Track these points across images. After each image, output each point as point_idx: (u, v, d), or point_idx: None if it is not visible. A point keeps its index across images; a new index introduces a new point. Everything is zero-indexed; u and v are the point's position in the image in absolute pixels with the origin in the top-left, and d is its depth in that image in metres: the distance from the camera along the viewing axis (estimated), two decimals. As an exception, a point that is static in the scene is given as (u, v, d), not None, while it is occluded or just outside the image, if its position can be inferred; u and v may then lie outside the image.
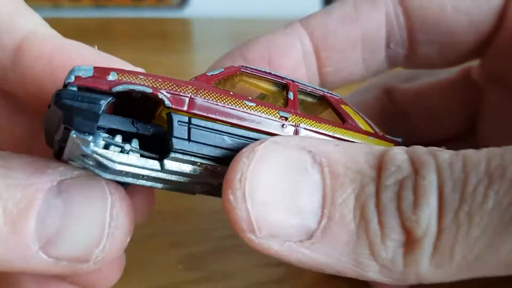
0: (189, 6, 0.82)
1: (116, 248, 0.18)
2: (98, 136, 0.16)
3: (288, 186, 0.16)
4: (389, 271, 0.17)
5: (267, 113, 0.18)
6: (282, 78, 0.21)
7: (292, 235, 0.16)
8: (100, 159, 0.16)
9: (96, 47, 0.22)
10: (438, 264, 0.16)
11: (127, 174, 0.17)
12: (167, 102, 0.17)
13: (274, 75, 0.21)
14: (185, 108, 0.17)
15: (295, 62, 0.24)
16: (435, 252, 0.16)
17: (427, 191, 0.16)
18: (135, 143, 0.17)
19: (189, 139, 0.17)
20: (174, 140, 0.17)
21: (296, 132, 0.19)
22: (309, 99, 0.22)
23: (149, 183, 0.18)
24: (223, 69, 0.20)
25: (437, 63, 0.26)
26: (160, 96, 0.17)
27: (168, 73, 0.20)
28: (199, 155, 0.17)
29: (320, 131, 0.19)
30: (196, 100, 0.17)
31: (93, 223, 0.17)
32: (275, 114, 0.19)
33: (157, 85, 0.17)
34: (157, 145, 0.17)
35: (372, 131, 0.22)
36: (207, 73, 0.19)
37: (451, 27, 0.24)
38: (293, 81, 0.21)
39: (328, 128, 0.20)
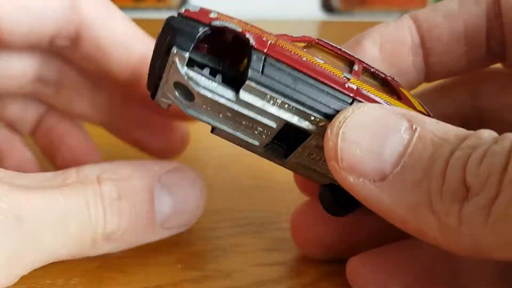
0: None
1: (200, 214, 0.26)
2: (190, 67, 0.20)
3: (378, 137, 0.19)
4: (445, 226, 0.18)
5: (332, 70, 0.21)
6: (350, 55, 0.24)
7: (368, 174, 0.19)
8: (190, 83, 0.20)
9: None
10: (494, 226, 0.17)
11: (206, 108, 0.21)
12: (251, 41, 0.20)
13: (343, 51, 0.24)
14: (264, 50, 0.20)
15: (404, 51, 0.27)
16: (491, 210, 0.17)
17: (496, 153, 0.17)
18: (218, 77, 0.21)
19: (262, 72, 0.20)
20: (250, 71, 0.20)
21: (357, 93, 0.21)
22: (371, 80, 0.24)
23: (222, 126, 0.22)
24: (302, 35, 0.23)
25: None
26: (247, 35, 0.20)
27: (168, 73, 0.20)
28: (269, 87, 0.20)
29: (378, 98, 0.22)
30: (275, 46, 0.21)
31: (194, 201, 0.26)
32: (340, 73, 0.21)
33: (247, 28, 0.21)
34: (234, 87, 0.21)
35: (425, 114, 0.24)
36: (287, 34, 0.22)
37: None
38: (360, 60, 0.24)
39: (386, 97, 0.22)
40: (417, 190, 0.18)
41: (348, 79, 0.21)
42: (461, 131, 0.19)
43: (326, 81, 0.21)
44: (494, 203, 0.17)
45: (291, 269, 0.27)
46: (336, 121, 0.20)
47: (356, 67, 0.23)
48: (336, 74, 0.21)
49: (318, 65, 0.21)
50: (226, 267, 0.26)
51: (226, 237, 0.29)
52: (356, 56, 0.24)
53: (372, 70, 0.24)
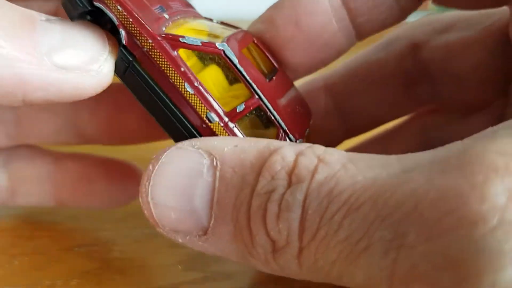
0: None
1: (111, 68, 0.20)
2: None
3: (184, 190, 0.18)
4: (270, 269, 0.18)
5: (197, 106, 0.20)
6: (250, 87, 0.21)
7: (190, 231, 0.19)
8: None
9: None
10: (308, 271, 0.17)
11: None
12: (122, 41, 0.20)
13: (246, 80, 0.21)
14: (135, 53, 0.20)
15: (323, 18, 0.23)
16: (300, 262, 0.17)
17: (290, 207, 0.17)
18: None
19: (124, 74, 0.20)
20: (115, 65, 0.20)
21: (204, 132, 0.20)
22: (264, 122, 0.21)
23: None
24: (200, 44, 0.20)
25: (460, 2, 0.25)
26: (120, 32, 0.20)
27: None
28: (128, 87, 0.20)
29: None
30: (145, 54, 0.19)
31: (93, 37, 0.20)
32: (203, 111, 0.20)
33: (125, 22, 0.19)
34: None
35: None
36: (180, 39, 0.20)
37: None
38: (260, 98, 0.21)
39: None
40: (235, 242, 0.18)
41: (209, 121, 0.20)
42: (257, 158, 0.18)
43: (185, 115, 0.20)
44: (301, 257, 0.17)
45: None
46: (143, 186, 0.19)
47: (241, 107, 0.20)
48: (198, 111, 0.20)
49: (184, 93, 0.19)
50: (227, 268, 0.26)
51: (226, 238, 0.29)
52: (257, 90, 0.20)
53: (268, 114, 0.21)
